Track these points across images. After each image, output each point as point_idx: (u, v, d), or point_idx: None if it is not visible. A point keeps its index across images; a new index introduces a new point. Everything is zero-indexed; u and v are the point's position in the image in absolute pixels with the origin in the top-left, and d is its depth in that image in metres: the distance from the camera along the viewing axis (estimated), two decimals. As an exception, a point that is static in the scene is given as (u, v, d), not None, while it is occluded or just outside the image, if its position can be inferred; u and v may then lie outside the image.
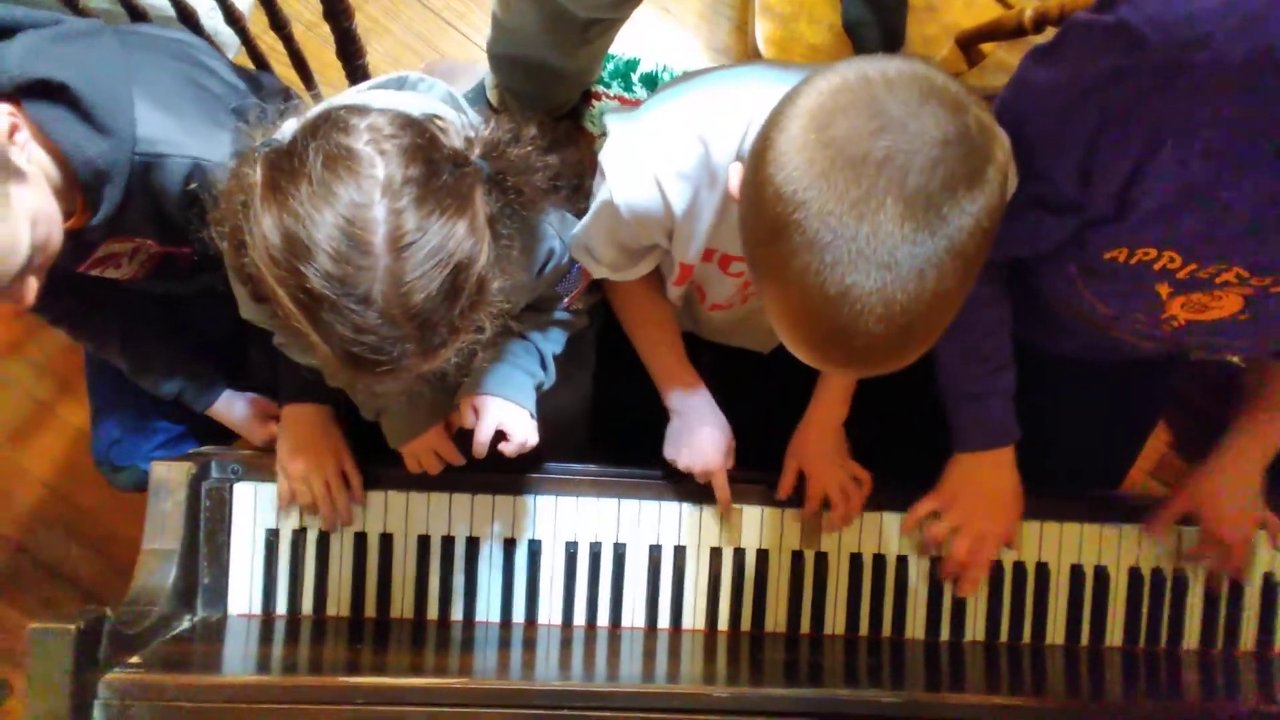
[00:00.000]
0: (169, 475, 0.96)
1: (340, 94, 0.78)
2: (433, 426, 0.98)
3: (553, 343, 1.03)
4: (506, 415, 0.94)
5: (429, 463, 0.99)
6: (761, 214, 0.63)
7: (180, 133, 0.83)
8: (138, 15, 1.04)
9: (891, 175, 0.58)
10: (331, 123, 0.69)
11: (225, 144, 0.84)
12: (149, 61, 0.86)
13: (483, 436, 0.93)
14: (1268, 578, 1.05)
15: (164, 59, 0.89)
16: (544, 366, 1.01)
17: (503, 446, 0.94)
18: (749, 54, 1.56)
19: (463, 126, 0.78)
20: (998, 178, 0.62)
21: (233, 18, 1.05)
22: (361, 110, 0.71)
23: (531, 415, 0.96)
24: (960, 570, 1.02)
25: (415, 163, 0.68)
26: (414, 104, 0.77)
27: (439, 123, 0.75)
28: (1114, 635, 1.05)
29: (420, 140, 0.70)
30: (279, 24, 1.05)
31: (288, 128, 0.73)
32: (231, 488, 1.00)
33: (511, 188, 0.79)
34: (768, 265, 0.65)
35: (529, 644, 0.99)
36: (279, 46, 1.15)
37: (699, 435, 0.99)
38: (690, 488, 1.03)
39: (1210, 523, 1.02)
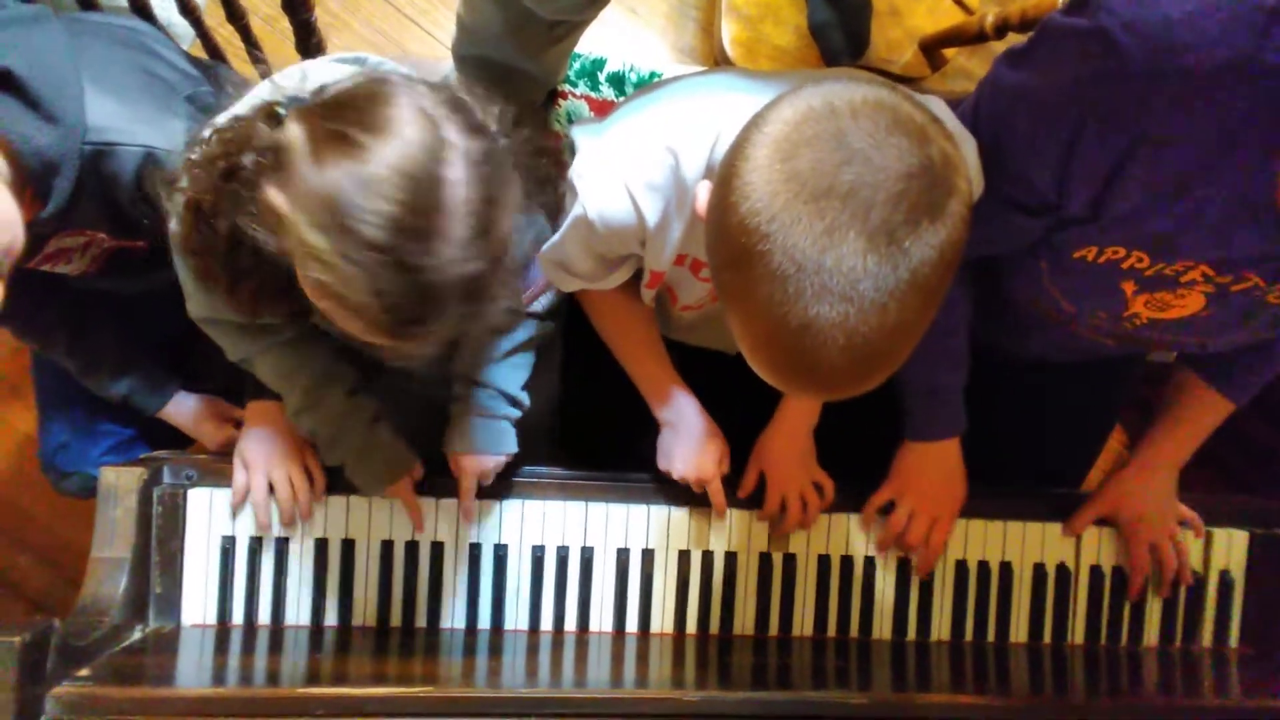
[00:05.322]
0: (119, 481, 0.93)
1: (299, 63, 0.77)
2: (398, 479, 0.98)
3: (521, 371, 1.02)
4: (487, 468, 0.99)
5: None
6: (726, 242, 0.63)
7: (131, 120, 0.80)
8: (88, 3, 1.00)
9: (855, 208, 0.58)
10: (392, 84, 0.70)
11: (178, 132, 0.81)
12: (97, 48, 0.83)
13: (465, 500, 0.99)
14: (1224, 575, 1.07)
15: (113, 46, 0.86)
16: (516, 404, 1.01)
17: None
18: (715, 55, 1.56)
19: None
20: (960, 210, 0.62)
21: (187, 8, 1.02)
22: (410, 79, 0.72)
23: (509, 454, 1.00)
24: (912, 549, 1.04)
25: (474, 133, 0.71)
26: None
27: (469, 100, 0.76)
28: (1076, 633, 1.06)
29: (469, 112, 0.73)
30: (236, 14, 1.03)
31: (308, 85, 0.74)
32: (185, 494, 0.97)
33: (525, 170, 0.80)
34: (732, 291, 0.65)
35: (495, 650, 0.97)
36: (236, 41, 1.12)
37: (693, 446, 0.99)
38: (656, 490, 1.02)
39: (1129, 524, 1.05)
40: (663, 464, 1.01)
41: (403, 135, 0.66)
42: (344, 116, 0.67)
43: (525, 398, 1.02)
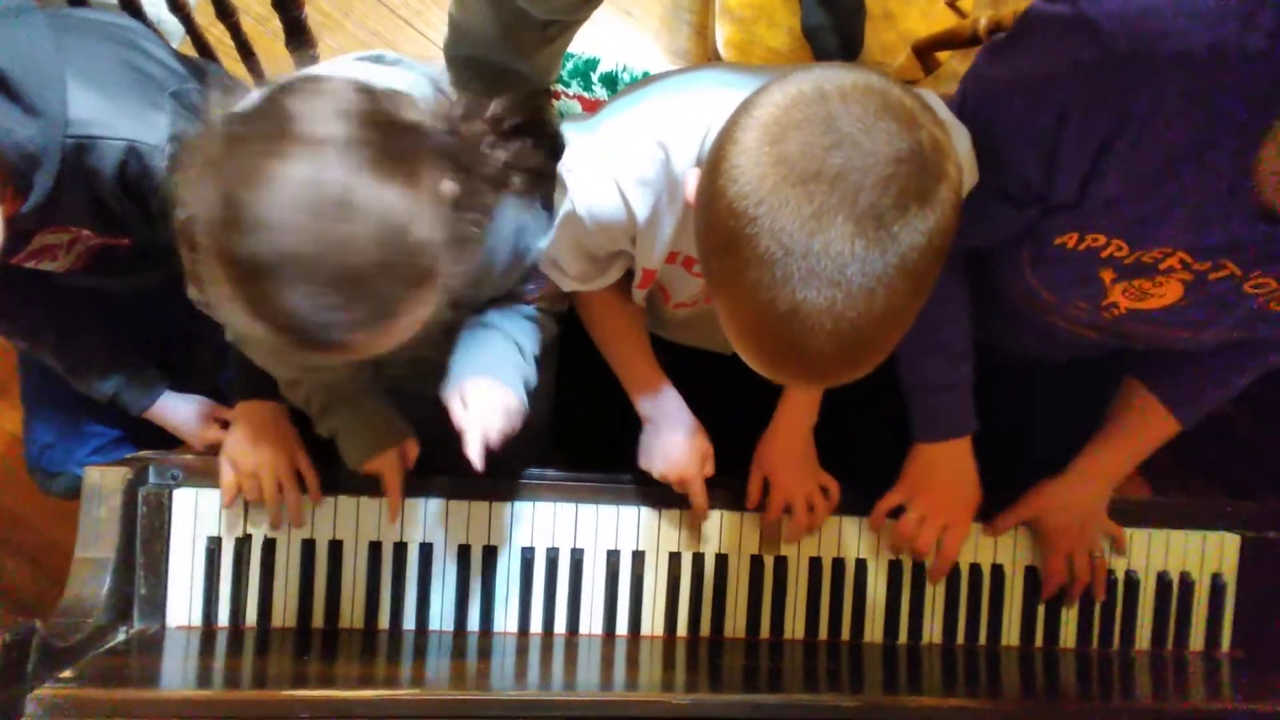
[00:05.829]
0: (103, 480, 0.92)
1: (314, 65, 0.77)
2: (386, 450, 0.95)
3: (527, 338, 0.98)
4: (497, 399, 0.86)
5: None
6: (715, 226, 0.63)
7: (114, 114, 0.80)
8: (77, 0, 1.00)
9: (844, 192, 0.58)
10: (286, 88, 0.68)
11: (162, 126, 0.80)
12: (82, 43, 0.83)
13: (471, 433, 0.82)
14: (1215, 578, 1.07)
15: (99, 41, 0.86)
16: (524, 358, 0.95)
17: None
18: (709, 57, 1.56)
19: (429, 103, 0.76)
20: (950, 196, 0.61)
21: (177, 4, 1.01)
22: (316, 78, 0.69)
23: (521, 402, 0.89)
24: (923, 555, 1.02)
25: (362, 127, 0.66)
26: (379, 77, 0.75)
27: (397, 95, 0.72)
28: (1068, 637, 1.06)
29: (371, 107, 0.68)
30: (225, 11, 1.02)
31: (250, 98, 0.71)
32: (171, 494, 0.96)
33: (468, 165, 0.76)
34: (720, 276, 0.65)
35: (484, 653, 0.97)
36: (227, 39, 1.12)
37: (672, 443, 0.98)
38: (647, 492, 1.02)
39: (1050, 534, 1.02)
40: (643, 461, 1.00)
41: (268, 142, 0.66)
42: (232, 130, 0.68)
43: (535, 366, 0.95)
